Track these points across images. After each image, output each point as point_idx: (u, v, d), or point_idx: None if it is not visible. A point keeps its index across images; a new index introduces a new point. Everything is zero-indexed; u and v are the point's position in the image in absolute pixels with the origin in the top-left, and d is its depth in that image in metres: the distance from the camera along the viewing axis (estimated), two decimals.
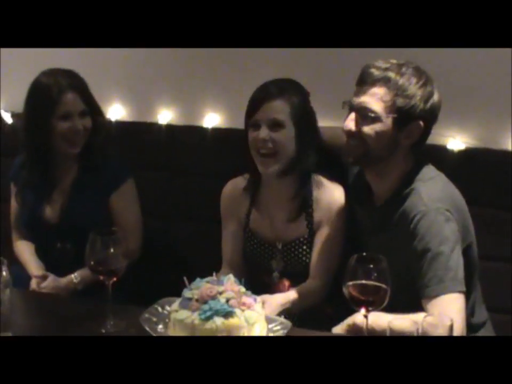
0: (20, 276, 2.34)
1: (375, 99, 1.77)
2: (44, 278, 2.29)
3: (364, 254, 1.62)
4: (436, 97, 1.81)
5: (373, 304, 1.59)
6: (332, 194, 2.13)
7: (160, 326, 1.74)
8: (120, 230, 2.20)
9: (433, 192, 1.82)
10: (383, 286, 1.58)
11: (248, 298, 1.72)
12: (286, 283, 2.16)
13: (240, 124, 2.61)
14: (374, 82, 1.77)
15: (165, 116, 2.77)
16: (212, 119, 2.70)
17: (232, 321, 1.65)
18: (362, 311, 1.60)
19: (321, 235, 2.13)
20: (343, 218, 2.12)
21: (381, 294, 1.58)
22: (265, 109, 2.06)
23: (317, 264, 2.13)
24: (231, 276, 1.78)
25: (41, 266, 2.40)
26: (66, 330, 1.78)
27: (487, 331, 2.02)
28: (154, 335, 1.68)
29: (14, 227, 2.50)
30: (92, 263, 1.78)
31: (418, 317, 1.54)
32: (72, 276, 2.28)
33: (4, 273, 1.68)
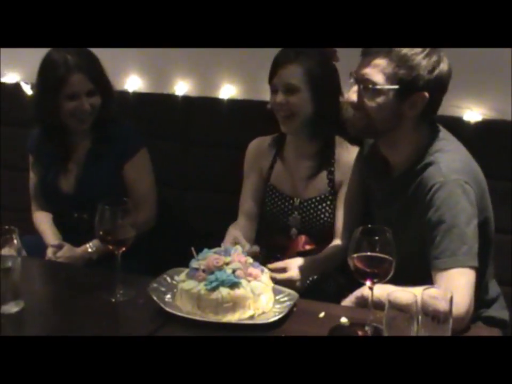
0: (38, 245, 2.40)
1: (376, 70, 1.74)
2: (60, 247, 2.31)
3: (369, 226, 1.61)
4: (442, 67, 1.76)
5: (377, 276, 1.58)
6: (353, 155, 2.16)
7: (168, 296, 1.76)
8: (134, 199, 2.24)
9: (452, 163, 1.79)
10: (388, 257, 1.57)
11: (255, 269, 1.73)
12: (302, 239, 2.20)
13: (255, 95, 2.63)
14: (377, 53, 1.74)
15: (181, 87, 2.78)
16: (227, 91, 2.71)
17: (238, 291, 1.66)
18: (368, 283, 1.60)
19: (343, 195, 2.16)
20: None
21: (386, 266, 1.57)
22: (281, 74, 2.11)
23: (339, 225, 2.16)
24: (238, 247, 1.79)
25: (58, 236, 2.43)
26: (76, 298, 1.81)
27: (500, 306, 2.00)
28: (162, 304, 1.70)
29: (33, 197, 2.54)
30: (101, 233, 1.80)
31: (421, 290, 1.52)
32: (87, 245, 2.31)
33: (15, 241, 1.70)
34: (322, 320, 1.69)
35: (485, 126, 2.30)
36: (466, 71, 2.34)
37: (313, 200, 2.20)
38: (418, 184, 1.80)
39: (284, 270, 1.95)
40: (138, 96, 2.82)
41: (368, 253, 1.58)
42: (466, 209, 1.73)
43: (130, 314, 1.77)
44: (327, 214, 2.18)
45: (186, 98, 2.74)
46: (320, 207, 2.19)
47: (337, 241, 2.15)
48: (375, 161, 1.99)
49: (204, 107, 2.71)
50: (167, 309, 1.68)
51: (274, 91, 2.15)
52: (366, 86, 1.76)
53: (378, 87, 1.74)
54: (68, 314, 1.76)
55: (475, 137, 2.25)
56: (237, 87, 2.69)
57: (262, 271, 1.76)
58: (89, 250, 2.30)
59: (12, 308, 1.70)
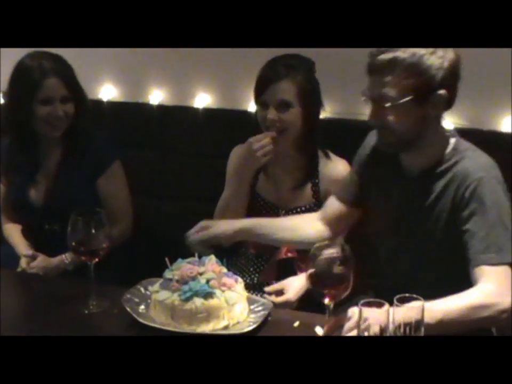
0: (10, 255, 2.37)
1: (388, 88, 1.68)
2: (33, 257, 2.29)
3: (326, 242, 1.59)
4: (449, 56, 1.70)
5: (336, 294, 1.54)
6: (336, 166, 2.19)
7: (142, 307, 1.74)
8: (109, 213, 2.20)
9: (486, 160, 1.79)
10: (346, 273, 1.53)
11: (229, 279, 1.72)
12: (284, 248, 2.19)
13: (230, 104, 2.63)
14: (383, 69, 1.69)
15: (157, 96, 2.77)
16: (202, 99, 2.70)
17: (212, 302, 1.65)
18: (326, 301, 1.55)
19: None
20: None
21: (344, 282, 1.53)
22: (273, 89, 2.10)
23: None
24: (212, 256, 1.78)
25: (30, 246, 2.40)
26: (49, 311, 1.79)
27: None
28: (135, 315, 1.68)
29: (2, 209, 2.50)
30: (73, 243, 1.78)
31: (469, 298, 1.57)
32: (63, 256, 2.28)
33: None
34: (297, 329, 1.69)
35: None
36: None
37: (298, 210, 2.21)
38: (450, 181, 1.77)
39: (280, 291, 1.97)
40: (113, 105, 2.81)
41: (326, 270, 1.53)
42: (508, 205, 1.74)
43: (103, 326, 1.75)
44: None
45: (161, 107, 2.75)
46: None
47: None
48: (380, 164, 1.93)
49: (179, 116, 2.71)
50: (141, 320, 1.67)
51: (264, 107, 2.13)
52: (382, 105, 1.71)
53: (394, 102, 1.69)
54: (39, 327, 1.73)
55: None
56: (212, 96, 2.69)
57: (236, 280, 1.75)
58: (65, 261, 2.28)
59: None
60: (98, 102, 2.78)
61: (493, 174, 1.76)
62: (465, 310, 1.58)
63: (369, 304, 1.37)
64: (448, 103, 1.76)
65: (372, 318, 1.36)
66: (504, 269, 1.66)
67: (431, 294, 1.50)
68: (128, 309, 1.70)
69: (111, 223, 2.21)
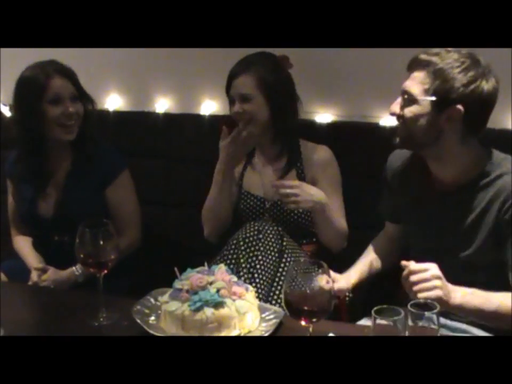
0: (21, 269, 2.36)
1: (414, 82, 1.79)
2: (44, 270, 2.28)
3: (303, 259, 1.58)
4: (482, 83, 1.76)
5: (316, 314, 1.49)
6: (319, 152, 2.30)
7: (152, 318, 1.73)
8: (118, 223, 2.23)
9: None
10: (326, 292, 1.47)
11: (239, 288, 1.70)
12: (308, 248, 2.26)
13: None
14: (417, 66, 1.80)
15: (162, 104, 2.77)
16: (208, 107, 2.70)
17: (223, 311, 1.63)
18: (303, 323, 1.49)
19: (324, 190, 2.20)
20: (338, 176, 2.29)
21: (324, 302, 1.48)
22: (235, 85, 2.26)
23: None
24: (222, 265, 1.76)
25: (41, 259, 2.39)
26: (59, 323, 1.78)
27: None
28: (145, 327, 1.67)
29: (12, 222, 2.50)
30: (82, 255, 1.77)
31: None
32: (74, 268, 2.27)
33: None
34: (310, 336, 1.66)
35: None
36: None
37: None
38: (493, 196, 1.80)
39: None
40: (119, 114, 2.80)
41: (304, 289, 1.46)
42: None
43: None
44: (297, 211, 2.25)
45: (167, 115, 2.74)
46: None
47: None
48: (414, 176, 1.97)
49: (185, 124, 2.70)
50: (151, 332, 1.65)
51: (232, 101, 2.28)
52: (404, 97, 1.81)
53: (414, 97, 1.79)
54: None
55: None
56: (218, 103, 2.69)
57: (247, 289, 1.73)
58: (76, 273, 2.27)
59: None
60: (105, 112, 2.77)
61: None
62: None
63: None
64: (469, 124, 1.79)
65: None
66: None
67: None
68: (138, 321, 1.69)
69: (120, 233, 2.23)
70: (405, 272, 1.64)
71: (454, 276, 1.70)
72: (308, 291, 1.46)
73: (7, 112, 2.89)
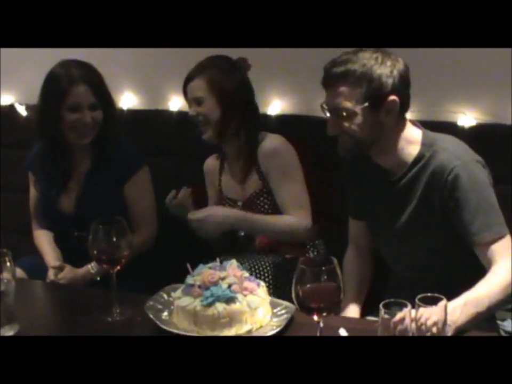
0: (38, 266, 2.39)
1: (343, 98, 1.80)
2: (60, 268, 2.30)
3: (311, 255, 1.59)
4: (398, 65, 1.81)
5: (325, 309, 1.49)
6: (268, 141, 2.30)
7: (165, 313, 1.75)
8: (134, 219, 2.26)
9: (458, 146, 1.87)
10: (335, 288, 1.48)
11: (251, 283, 1.71)
12: (262, 239, 2.33)
13: None
14: (336, 81, 1.80)
15: (176, 102, 2.78)
16: None
17: (234, 306, 1.65)
18: (315, 318, 1.50)
19: (276, 180, 2.27)
20: (290, 164, 2.28)
21: (335, 297, 1.49)
22: (189, 88, 2.32)
23: (285, 204, 2.26)
24: (233, 261, 1.78)
25: (59, 256, 2.42)
26: (73, 319, 1.80)
27: None
28: (158, 322, 1.69)
29: (33, 215, 2.52)
30: (95, 252, 1.79)
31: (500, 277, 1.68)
32: (89, 266, 2.29)
33: (8, 264, 1.69)
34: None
35: (479, 130, 2.29)
36: (459, 75, 2.34)
37: (250, 197, 2.33)
38: (431, 175, 1.84)
39: None
40: (133, 113, 2.83)
41: (313, 285, 1.47)
42: (487, 183, 1.83)
43: (127, 334, 1.75)
44: (266, 207, 2.31)
45: (181, 114, 2.74)
46: (258, 201, 2.32)
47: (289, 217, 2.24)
48: (368, 171, 1.99)
49: None
50: (164, 327, 1.67)
51: (189, 105, 2.33)
52: (340, 114, 1.82)
53: (350, 111, 1.80)
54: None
55: (470, 142, 2.22)
56: None
57: (258, 284, 1.74)
58: (91, 271, 2.29)
59: (6, 331, 1.68)
60: (119, 111, 2.79)
61: (468, 158, 1.83)
62: (505, 288, 1.68)
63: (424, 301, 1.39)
64: (402, 108, 1.84)
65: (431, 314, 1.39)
66: (500, 243, 1.75)
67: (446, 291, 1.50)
68: (151, 316, 1.71)
69: (136, 229, 2.26)
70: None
71: (425, 260, 1.77)
72: (318, 286, 1.47)
73: (23, 112, 2.93)
